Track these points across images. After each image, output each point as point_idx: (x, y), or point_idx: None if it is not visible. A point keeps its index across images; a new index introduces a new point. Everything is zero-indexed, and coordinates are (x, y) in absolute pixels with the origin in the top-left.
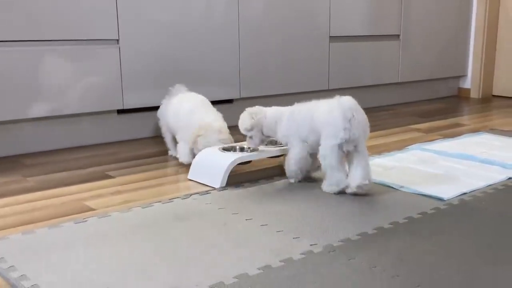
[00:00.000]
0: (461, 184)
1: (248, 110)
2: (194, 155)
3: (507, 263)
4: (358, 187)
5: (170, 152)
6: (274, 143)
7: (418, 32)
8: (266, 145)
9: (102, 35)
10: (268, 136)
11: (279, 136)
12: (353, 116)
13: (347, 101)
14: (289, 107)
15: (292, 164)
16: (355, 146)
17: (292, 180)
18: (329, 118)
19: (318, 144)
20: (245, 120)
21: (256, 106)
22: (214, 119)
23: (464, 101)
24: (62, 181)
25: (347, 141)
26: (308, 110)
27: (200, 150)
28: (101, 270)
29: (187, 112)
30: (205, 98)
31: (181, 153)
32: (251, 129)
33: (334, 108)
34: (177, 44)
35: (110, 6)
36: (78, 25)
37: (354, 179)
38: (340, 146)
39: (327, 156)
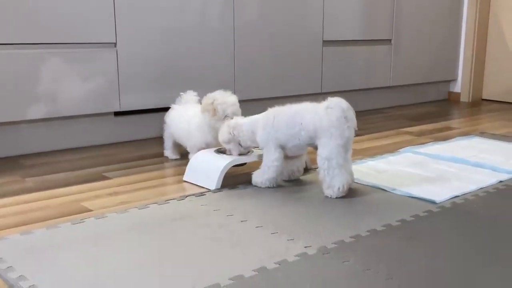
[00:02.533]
0: (453, 187)
1: (227, 123)
2: None
3: (499, 265)
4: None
5: (165, 153)
6: None
7: (409, 37)
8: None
9: (100, 39)
10: (248, 147)
11: (258, 141)
12: (350, 114)
13: (343, 102)
14: (263, 113)
15: (269, 171)
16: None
17: (263, 186)
18: (331, 119)
19: (300, 148)
20: (223, 134)
21: (235, 119)
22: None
23: (454, 105)
24: (59, 182)
25: (348, 139)
26: (293, 114)
27: (220, 118)
28: (98, 271)
29: (192, 123)
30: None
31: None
32: (228, 142)
33: (333, 110)
34: (173, 47)
35: (108, 10)
36: (76, 29)
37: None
38: (343, 146)
39: (333, 157)
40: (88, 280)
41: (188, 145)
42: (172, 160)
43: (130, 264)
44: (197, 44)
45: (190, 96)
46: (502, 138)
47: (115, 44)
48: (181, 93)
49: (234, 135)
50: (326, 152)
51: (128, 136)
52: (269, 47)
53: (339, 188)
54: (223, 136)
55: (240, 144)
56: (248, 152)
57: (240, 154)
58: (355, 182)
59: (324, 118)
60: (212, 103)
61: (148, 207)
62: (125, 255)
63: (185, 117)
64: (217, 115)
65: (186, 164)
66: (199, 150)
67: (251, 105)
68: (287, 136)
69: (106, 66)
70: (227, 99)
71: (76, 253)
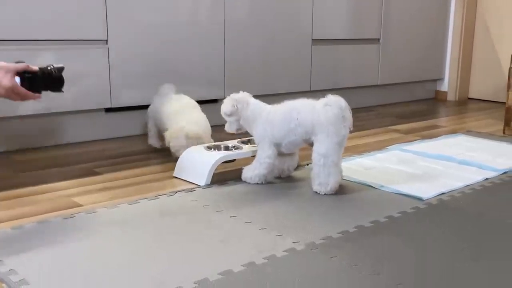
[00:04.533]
0: (439, 184)
1: (233, 96)
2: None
3: (485, 261)
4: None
5: (149, 141)
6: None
7: (397, 37)
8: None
9: (91, 36)
10: (241, 128)
11: (254, 135)
12: (347, 113)
13: (341, 100)
14: (270, 106)
15: (260, 168)
16: None
17: (252, 182)
18: (329, 117)
19: (296, 144)
20: (226, 106)
21: (243, 93)
22: (193, 122)
23: (441, 104)
24: (51, 177)
25: (344, 137)
26: (289, 110)
27: (176, 150)
28: (88, 265)
29: (174, 115)
30: (192, 101)
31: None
32: (230, 115)
33: (331, 107)
34: (164, 45)
35: (99, 7)
36: (68, 26)
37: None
38: (339, 143)
39: (329, 154)
40: (78, 275)
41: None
42: (163, 156)
43: (120, 259)
44: (187, 42)
45: (167, 88)
46: (488, 136)
47: (106, 41)
48: (159, 87)
49: (237, 108)
50: (323, 149)
51: (119, 132)
52: (259, 44)
53: (332, 186)
54: (225, 108)
55: (240, 122)
56: (236, 148)
57: (236, 149)
58: (343, 179)
59: (322, 115)
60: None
61: (138, 202)
62: (115, 250)
63: (177, 105)
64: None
65: (176, 161)
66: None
67: None
68: (284, 132)
69: (97, 63)
70: (179, 140)
71: (66, 247)
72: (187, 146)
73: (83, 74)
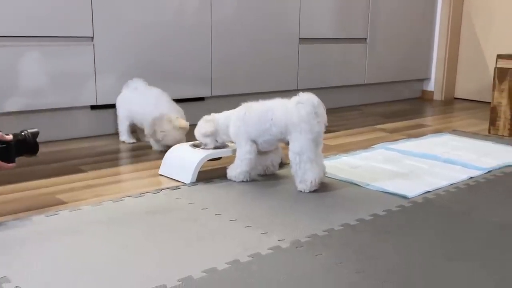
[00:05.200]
0: (424, 182)
1: (204, 118)
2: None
3: (468, 259)
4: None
5: (121, 138)
6: None
7: (384, 36)
8: None
9: (77, 33)
10: (223, 142)
11: (231, 136)
12: (321, 110)
13: (313, 97)
14: (235, 109)
15: (242, 165)
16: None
17: (237, 180)
18: (301, 114)
19: (271, 143)
20: (202, 128)
21: (212, 114)
22: (174, 109)
23: (428, 103)
24: (35, 174)
25: (318, 134)
26: (264, 111)
27: (162, 140)
28: (72, 263)
29: (153, 107)
30: (165, 93)
31: (153, 143)
32: (210, 135)
33: (304, 105)
34: (150, 42)
35: (85, 4)
36: (53, 22)
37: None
38: (313, 140)
39: (304, 151)
40: (60, 272)
41: (146, 126)
42: (148, 153)
43: (103, 256)
44: (174, 39)
45: (138, 82)
46: (473, 135)
47: (92, 38)
48: (129, 80)
49: (215, 129)
50: (297, 147)
51: (104, 129)
52: (246, 43)
53: (311, 182)
54: (202, 130)
55: (216, 140)
56: (224, 146)
57: (215, 148)
58: (329, 177)
59: (295, 113)
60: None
61: (123, 200)
62: (98, 248)
63: (151, 99)
64: (157, 139)
65: (161, 158)
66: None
67: (227, 100)
68: (258, 132)
69: (83, 60)
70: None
71: (49, 245)
72: (172, 133)
73: (69, 71)
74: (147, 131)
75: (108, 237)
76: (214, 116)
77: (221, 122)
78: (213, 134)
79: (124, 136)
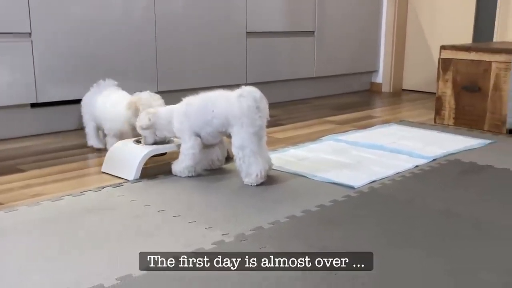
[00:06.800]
0: (371, 172)
1: (146, 110)
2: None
3: (414, 246)
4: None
5: (89, 142)
6: None
7: (332, 30)
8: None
9: (13, 28)
10: (164, 137)
11: (175, 132)
12: (263, 104)
13: (255, 91)
14: (178, 104)
15: (186, 159)
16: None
17: (182, 175)
18: (243, 108)
19: (214, 136)
20: (141, 120)
21: (156, 108)
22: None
23: (376, 95)
24: None
25: (260, 127)
26: (205, 103)
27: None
28: (4, 264)
29: (113, 106)
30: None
31: (111, 144)
32: (146, 129)
33: (245, 98)
34: (92, 38)
35: None
36: None
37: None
38: (255, 134)
39: (246, 145)
40: None
41: (106, 127)
42: (91, 151)
43: (37, 256)
44: (117, 35)
45: (109, 83)
46: (420, 125)
47: (29, 34)
48: (101, 80)
49: (152, 122)
50: (239, 141)
51: (45, 128)
52: (192, 38)
53: (257, 175)
54: (141, 121)
55: (155, 134)
56: (167, 141)
57: (156, 143)
58: (276, 170)
59: (236, 107)
60: (136, 102)
61: (63, 199)
62: (32, 248)
63: (110, 101)
64: (138, 115)
65: (104, 156)
66: (114, 135)
67: (174, 96)
68: (200, 124)
69: (20, 56)
70: (152, 102)
71: None
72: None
73: (6, 68)
74: (107, 130)
75: (42, 237)
76: (156, 109)
77: (163, 117)
78: (151, 127)
79: (92, 140)
